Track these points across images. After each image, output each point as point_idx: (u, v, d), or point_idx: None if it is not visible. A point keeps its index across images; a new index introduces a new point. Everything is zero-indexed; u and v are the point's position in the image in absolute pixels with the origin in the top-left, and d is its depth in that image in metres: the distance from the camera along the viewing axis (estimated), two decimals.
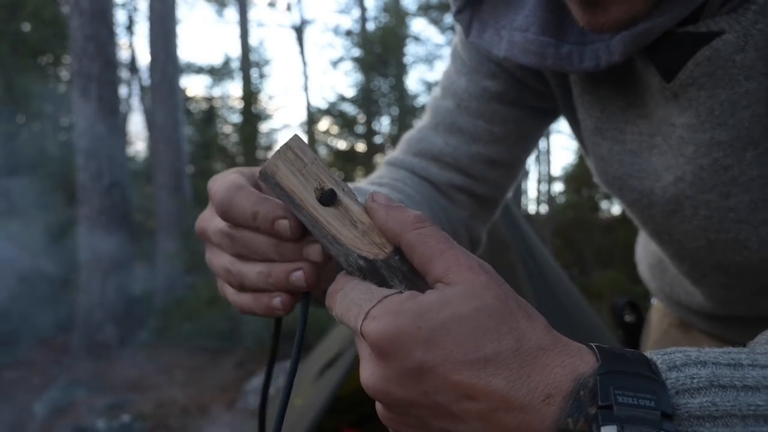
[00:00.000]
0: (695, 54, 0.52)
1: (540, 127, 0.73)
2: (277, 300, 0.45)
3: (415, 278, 0.40)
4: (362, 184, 0.69)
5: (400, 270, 0.40)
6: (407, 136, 0.76)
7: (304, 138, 0.43)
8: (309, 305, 0.46)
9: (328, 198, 0.40)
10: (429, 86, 12.37)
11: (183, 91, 8.80)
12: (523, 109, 0.70)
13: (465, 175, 0.72)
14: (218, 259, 0.48)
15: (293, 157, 0.40)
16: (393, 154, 0.76)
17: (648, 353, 0.36)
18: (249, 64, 13.60)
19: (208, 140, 10.82)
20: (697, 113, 0.54)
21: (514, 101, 0.70)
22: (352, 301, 0.38)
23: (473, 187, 0.72)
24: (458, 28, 0.72)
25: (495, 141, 0.70)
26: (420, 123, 0.76)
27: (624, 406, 0.32)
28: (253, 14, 29.59)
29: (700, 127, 0.55)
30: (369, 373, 0.37)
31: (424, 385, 0.35)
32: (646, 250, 0.85)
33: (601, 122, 0.62)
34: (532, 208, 13.05)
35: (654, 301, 0.88)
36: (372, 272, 0.40)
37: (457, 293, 0.36)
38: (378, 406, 0.39)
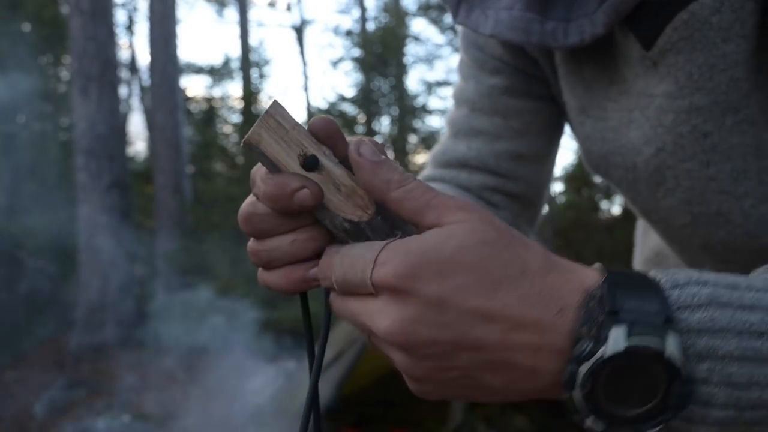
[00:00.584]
0: (673, 19, 0.52)
1: (558, 115, 0.73)
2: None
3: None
4: None
5: (383, 230, 0.41)
6: (431, 153, 0.77)
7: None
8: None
9: (311, 163, 0.40)
10: (429, 86, 12.37)
11: (183, 91, 8.80)
12: (535, 99, 0.71)
13: (495, 175, 0.72)
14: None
15: (275, 124, 0.40)
16: (422, 173, 0.77)
17: (652, 272, 0.38)
18: (249, 64, 13.60)
19: (208, 140, 10.82)
20: (675, 80, 0.55)
21: (523, 93, 0.70)
22: (354, 257, 0.39)
23: (506, 185, 0.72)
24: (461, 36, 0.73)
25: (516, 135, 0.71)
26: (441, 139, 0.77)
27: (630, 311, 0.34)
28: (253, 14, 29.60)
29: (678, 93, 0.55)
30: (390, 320, 0.36)
31: (444, 317, 0.36)
32: (642, 247, 0.85)
33: (585, 101, 0.63)
34: None
35: None
36: (357, 234, 0.40)
37: (457, 229, 0.37)
38: (399, 356, 0.38)
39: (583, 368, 0.34)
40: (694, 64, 0.54)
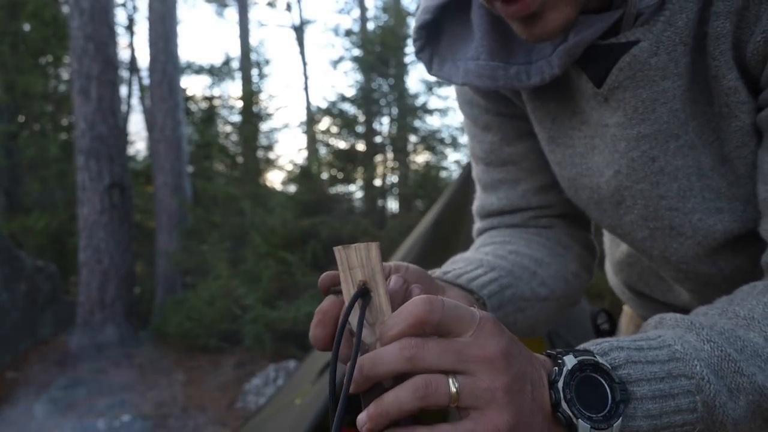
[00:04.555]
0: (618, 61, 0.61)
1: None
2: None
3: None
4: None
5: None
6: (474, 208, 0.88)
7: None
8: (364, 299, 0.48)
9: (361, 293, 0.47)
10: (429, 86, 12.37)
11: (183, 91, 8.80)
12: (530, 137, 0.78)
13: (530, 210, 0.81)
14: None
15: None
16: (474, 226, 0.87)
17: (587, 344, 0.50)
18: (249, 64, 13.60)
19: (208, 140, 10.81)
20: (624, 112, 0.64)
21: (518, 137, 0.79)
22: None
23: (544, 212, 0.82)
24: (456, 97, 0.83)
25: (531, 174, 0.80)
26: (477, 193, 0.88)
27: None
28: (253, 14, 29.60)
29: (627, 123, 0.64)
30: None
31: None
32: (613, 252, 0.92)
33: (553, 131, 0.72)
34: None
35: (625, 307, 0.93)
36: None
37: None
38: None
39: (559, 383, 0.46)
40: (639, 99, 0.62)
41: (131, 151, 11.53)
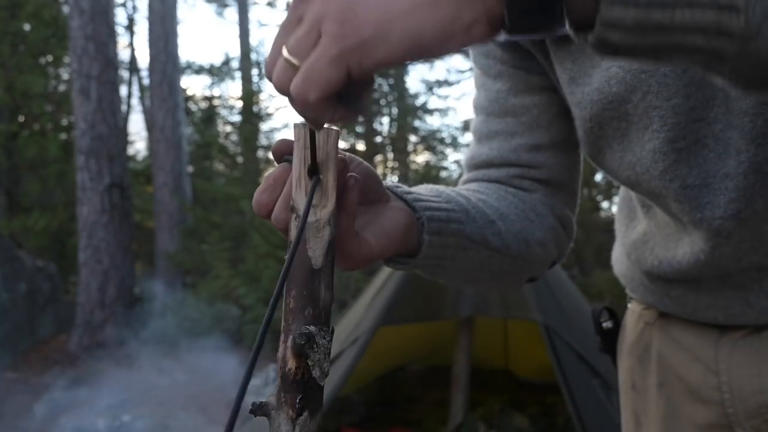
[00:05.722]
0: None
1: (564, 104, 0.78)
2: None
3: None
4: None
5: None
6: (463, 160, 0.86)
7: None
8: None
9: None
10: (429, 86, 12.37)
11: (183, 91, 8.80)
12: (538, 93, 0.77)
13: (518, 167, 0.79)
14: None
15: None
16: (460, 178, 0.85)
17: None
18: (249, 64, 13.60)
19: (208, 140, 10.81)
20: None
21: (526, 90, 0.77)
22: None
23: (531, 173, 0.79)
24: (470, 51, 0.82)
25: (528, 129, 0.78)
26: (469, 146, 0.86)
27: None
28: (253, 14, 29.60)
29: None
30: None
31: None
32: (627, 232, 0.87)
33: (574, 72, 0.70)
34: None
35: (630, 305, 0.90)
36: None
37: None
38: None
39: None
40: None
41: (131, 151, 11.53)
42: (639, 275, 0.84)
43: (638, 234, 0.83)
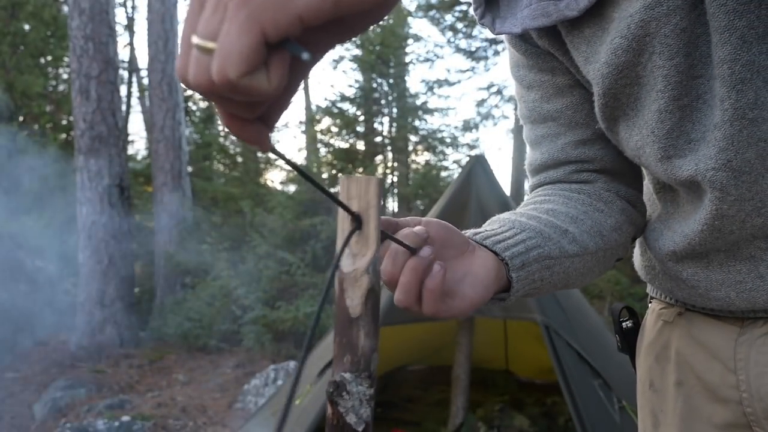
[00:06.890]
0: None
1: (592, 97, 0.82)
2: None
3: None
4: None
5: None
6: (526, 166, 0.93)
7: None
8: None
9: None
10: (429, 86, 12.37)
11: (183, 91, 8.80)
12: (570, 93, 0.83)
13: (571, 164, 0.85)
14: None
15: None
16: (527, 184, 0.95)
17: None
18: None
19: (208, 140, 10.81)
20: None
21: (557, 93, 0.84)
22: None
23: (585, 166, 0.85)
24: (509, 64, 0.91)
25: (569, 128, 0.84)
26: (527, 153, 0.94)
27: None
28: None
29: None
30: None
31: None
32: (653, 207, 0.89)
33: (588, 53, 0.74)
34: None
35: (650, 304, 0.91)
36: None
37: None
38: None
39: None
40: None
41: (131, 151, 11.53)
42: (654, 261, 0.85)
43: (655, 218, 0.85)
